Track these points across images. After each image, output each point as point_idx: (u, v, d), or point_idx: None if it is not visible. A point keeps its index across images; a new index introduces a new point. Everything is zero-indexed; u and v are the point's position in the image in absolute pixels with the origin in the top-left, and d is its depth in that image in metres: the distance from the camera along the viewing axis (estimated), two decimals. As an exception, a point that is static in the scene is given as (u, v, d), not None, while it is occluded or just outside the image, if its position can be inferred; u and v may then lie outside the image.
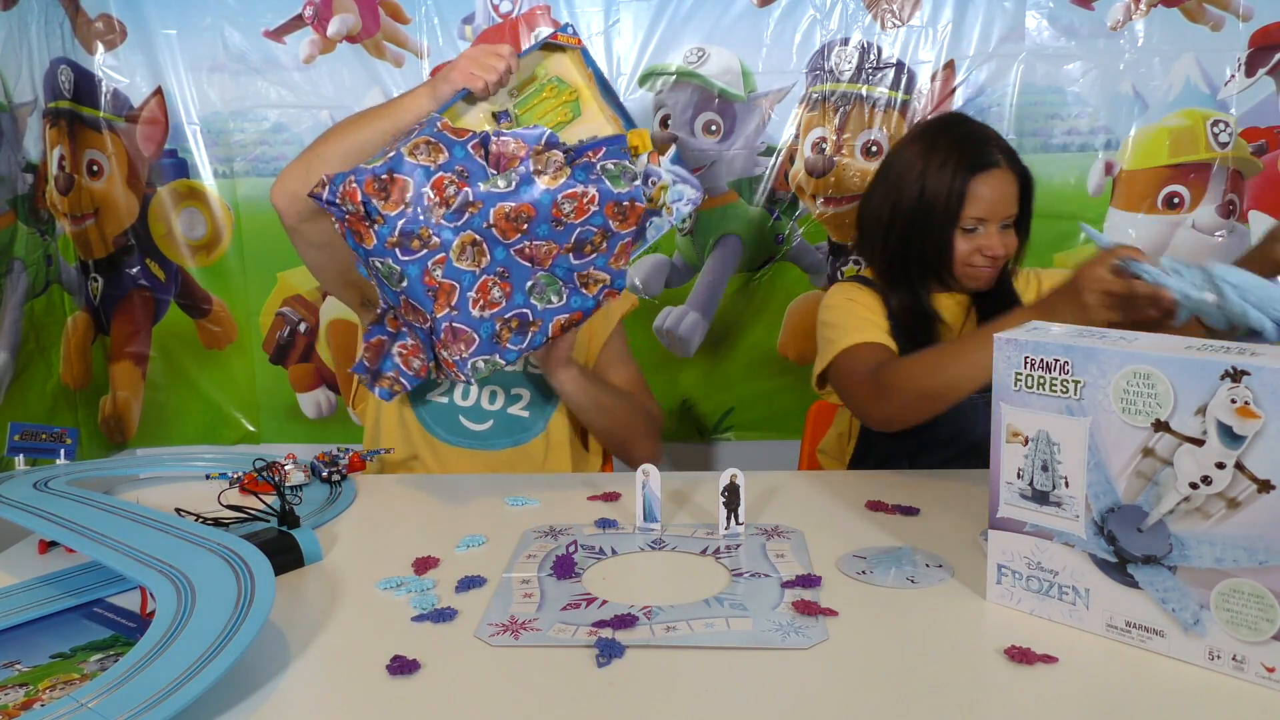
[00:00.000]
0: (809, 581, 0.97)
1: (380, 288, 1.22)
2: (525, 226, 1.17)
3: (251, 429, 2.34)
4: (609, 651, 0.83)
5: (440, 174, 1.15)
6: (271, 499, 1.23)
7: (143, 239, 2.25)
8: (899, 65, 2.07)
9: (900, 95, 2.08)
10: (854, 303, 1.49)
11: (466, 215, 1.15)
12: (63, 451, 1.36)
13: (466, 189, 1.15)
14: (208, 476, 1.38)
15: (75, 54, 2.16)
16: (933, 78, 2.07)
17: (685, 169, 1.29)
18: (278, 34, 2.15)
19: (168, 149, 2.22)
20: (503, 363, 1.21)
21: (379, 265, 1.16)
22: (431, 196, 1.14)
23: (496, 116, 1.31)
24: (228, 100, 2.18)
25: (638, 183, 1.21)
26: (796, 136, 2.11)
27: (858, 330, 1.44)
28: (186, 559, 0.90)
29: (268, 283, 2.26)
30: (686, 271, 2.19)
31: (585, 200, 1.18)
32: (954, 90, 2.07)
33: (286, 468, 1.28)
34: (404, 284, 1.16)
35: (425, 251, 1.14)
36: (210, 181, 2.22)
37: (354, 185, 1.12)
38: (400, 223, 1.13)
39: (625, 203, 1.20)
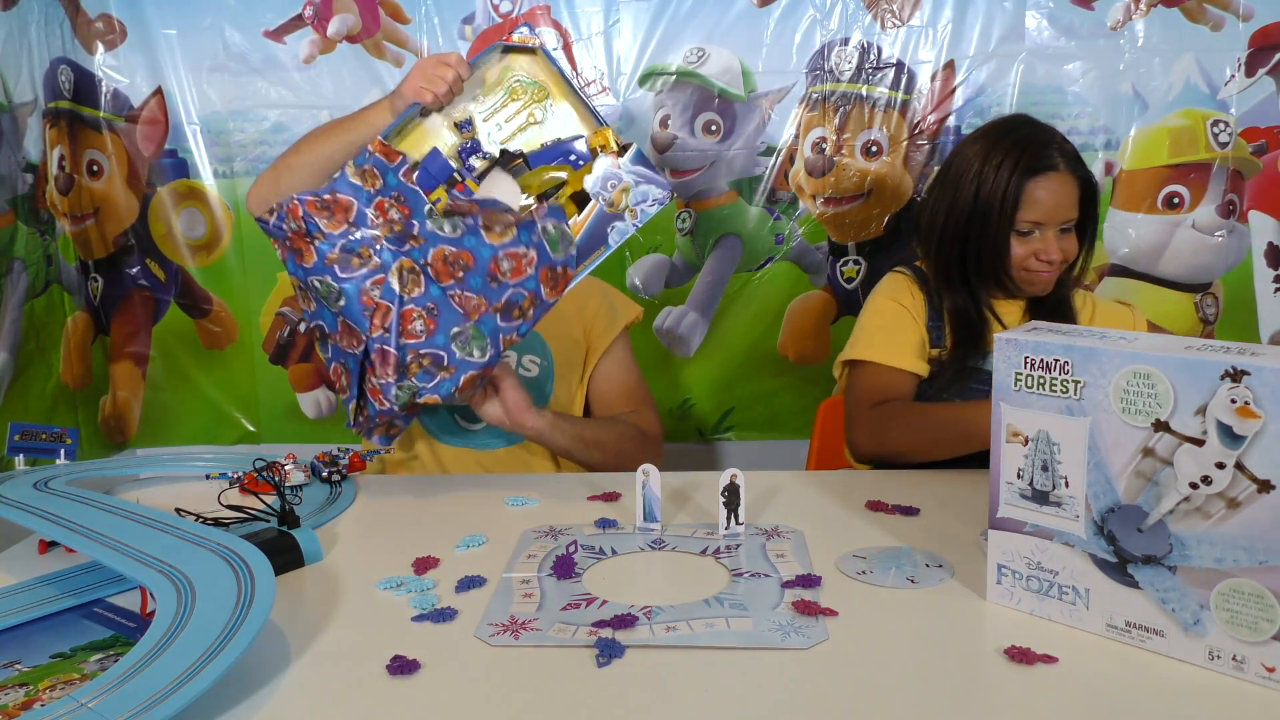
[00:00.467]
0: (809, 581, 0.97)
1: (317, 312, 1.21)
2: (460, 275, 1.17)
3: (251, 429, 2.34)
4: (609, 651, 0.83)
5: (380, 198, 1.17)
6: (271, 499, 1.23)
7: (143, 239, 2.25)
8: (899, 65, 2.07)
9: (900, 95, 2.08)
10: (904, 311, 1.48)
11: (408, 246, 1.17)
12: (63, 451, 1.36)
13: (412, 221, 1.17)
14: (208, 476, 1.38)
15: (75, 54, 2.16)
16: (933, 78, 2.07)
17: (649, 168, 1.27)
18: (278, 34, 2.15)
19: (168, 149, 2.22)
20: (416, 385, 1.17)
21: (317, 284, 1.17)
22: (374, 219, 1.16)
23: (459, 126, 1.30)
24: (228, 100, 2.18)
25: (573, 250, 1.22)
26: (796, 136, 2.11)
27: (891, 350, 1.45)
28: (186, 559, 0.90)
29: (268, 283, 2.26)
30: (686, 271, 2.19)
31: (524, 261, 1.19)
32: (954, 90, 2.06)
33: (286, 468, 1.28)
34: (342, 303, 1.16)
35: (365, 270, 1.16)
36: (210, 181, 2.22)
37: (296, 203, 1.15)
38: (341, 241, 1.15)
39: (559, 268, 1.21)
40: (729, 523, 1.11)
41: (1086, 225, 1.44)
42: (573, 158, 1.26)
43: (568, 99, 1.32)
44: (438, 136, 1.29)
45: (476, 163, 1.29)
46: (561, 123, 1.31)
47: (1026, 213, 1.39)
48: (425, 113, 1.29)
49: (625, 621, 0.89)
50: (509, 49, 1.33)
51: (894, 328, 1.47)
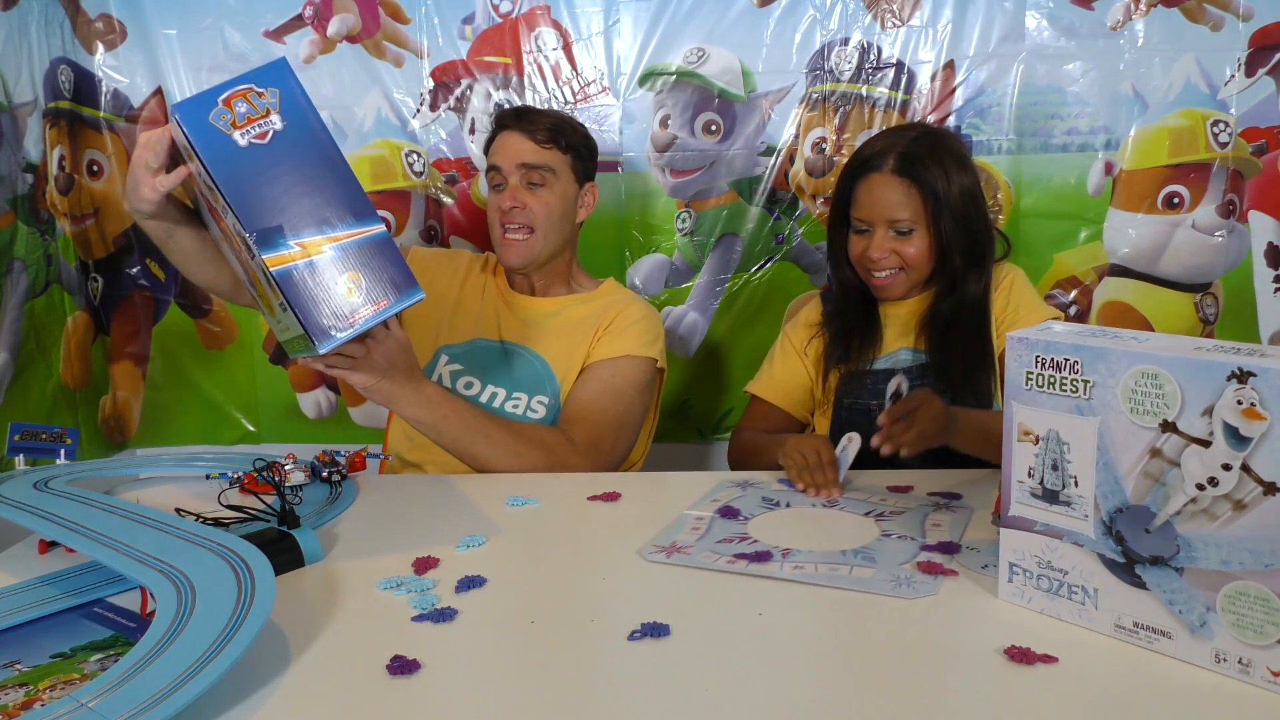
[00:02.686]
0: (949, 548, 1.03)
1: None
2: None
3: (251, 429, 2.34)
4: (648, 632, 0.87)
5: None
6: (271, 499, 1.23)
7: (143, 239, 2.24)
8: (899, 65, 2.07)
9: (900, 95, 2.08)
10: (789, 346, 1.62)
11: None
12: (63, 451, 1.35)
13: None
14: (208, 476, 1.37)
15: (75, 54, 2.16)
16: (933, 78, 2.07)
17: None
18: (278, 34, 2.15)
19: (167, 149, 2.21)
20: None
21: None
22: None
23: None
24: (227, 100, 2.18)
25: None
26: (796, 136, 2.11)
27: (770, 387, 1.63)
28: (186, 559, 0.90)
29: (267, 283, 2.26)
30: (686, 271, 2.19)
31: None
32: (954, 90, 2.06)
33: (286, 468, 1.27)
34: None
35: None
36: (210, 181, 2.22)
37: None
38: None
39: None
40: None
41: (941, 232, 1.46)
42: None
43: None
44: None
45: None
46: None
47: (857, 210, 1.50)
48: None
49: (761, 556, 1.01)
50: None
51: (777, 363, 1.64)
